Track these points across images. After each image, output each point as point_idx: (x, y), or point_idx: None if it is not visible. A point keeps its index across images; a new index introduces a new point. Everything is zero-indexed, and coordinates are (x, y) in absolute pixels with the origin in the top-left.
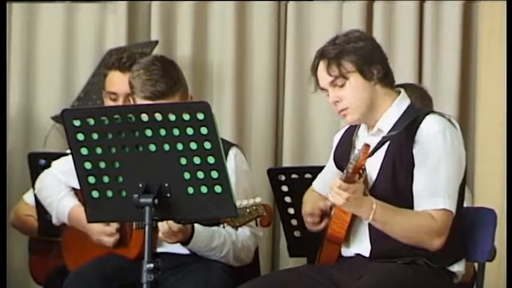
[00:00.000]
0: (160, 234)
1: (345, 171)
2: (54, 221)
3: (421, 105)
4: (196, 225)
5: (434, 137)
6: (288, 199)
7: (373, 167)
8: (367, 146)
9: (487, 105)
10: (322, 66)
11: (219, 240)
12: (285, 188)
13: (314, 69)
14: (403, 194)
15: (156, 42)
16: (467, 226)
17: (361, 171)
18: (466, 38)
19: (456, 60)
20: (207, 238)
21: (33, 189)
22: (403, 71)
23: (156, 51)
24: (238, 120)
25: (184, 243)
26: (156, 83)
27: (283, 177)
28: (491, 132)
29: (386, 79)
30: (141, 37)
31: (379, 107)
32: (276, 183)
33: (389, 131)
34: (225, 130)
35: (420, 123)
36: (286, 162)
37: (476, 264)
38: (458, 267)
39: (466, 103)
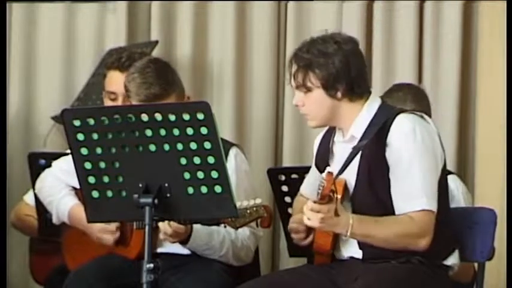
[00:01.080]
0: (161, 236)
1: (316, 194)
2: (55, 220)
3: (415, 104)
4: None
5: (405, 138)
6: (288, 199)
7: (350, 176)
8: (329, 174)
9: (487, 105)
10: (293, 68)
11: (218, 238)
12: (285, 188)
13: (288, 66)
14: (383, 200)
15: (156, 42)
16: (467, 226)
17: (331, 194)
18: (466, 37)
19: (456, 60)
20: (206, 236)
21: (33, 189)
22: (403, 71)
23: (156, 51)
24: (238, 120)
25: (184, 241)
26: (150, 86)
27: (283, 177)
28: (491, 132)
29: (354, 94)
30: (141, 37)
31: (345, 116)
32: (276, 183)
33: (361, 138)
34: (225, 130)
35: (390, 125)
36: (286, 162)
37: (476, 264)
38: (453, 260)
39: (466, 103)
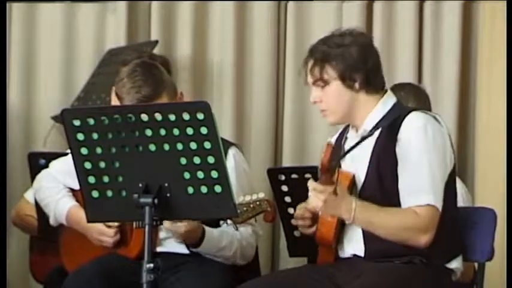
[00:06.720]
0: (174, 236)
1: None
2: (52, 222)
3: (417, 104)
4: (205, 227)
5: (415, 133)
6: (288, 199)
7: (360, 169)
8: (328, 144)
9: (487, 105)
10: (309, 63)
11: (227, 239)
12: (284, 188)
13: (304, 64)
14: (391, 194)
15: (156, 42)
16: (467, 226)
17: (337, 170)
18: (466, 38)
19: (456, 60)
20: (217, 237)
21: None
22: (403, 71)
23: (156, 51)
24: (238, 120)
25: (196, 244)
26: (140, 89)
27: (283, 177)
28: (491, 132)
29: (370, 87)
30: (141, 37)
31: (361, 110)
32: (276, 183)
33: (371, 130)
34: (225, 130)
35: (402, 121)
36: (286, 162)
37: (476, 264)
38: (456, 264)
39: (466, 103)
